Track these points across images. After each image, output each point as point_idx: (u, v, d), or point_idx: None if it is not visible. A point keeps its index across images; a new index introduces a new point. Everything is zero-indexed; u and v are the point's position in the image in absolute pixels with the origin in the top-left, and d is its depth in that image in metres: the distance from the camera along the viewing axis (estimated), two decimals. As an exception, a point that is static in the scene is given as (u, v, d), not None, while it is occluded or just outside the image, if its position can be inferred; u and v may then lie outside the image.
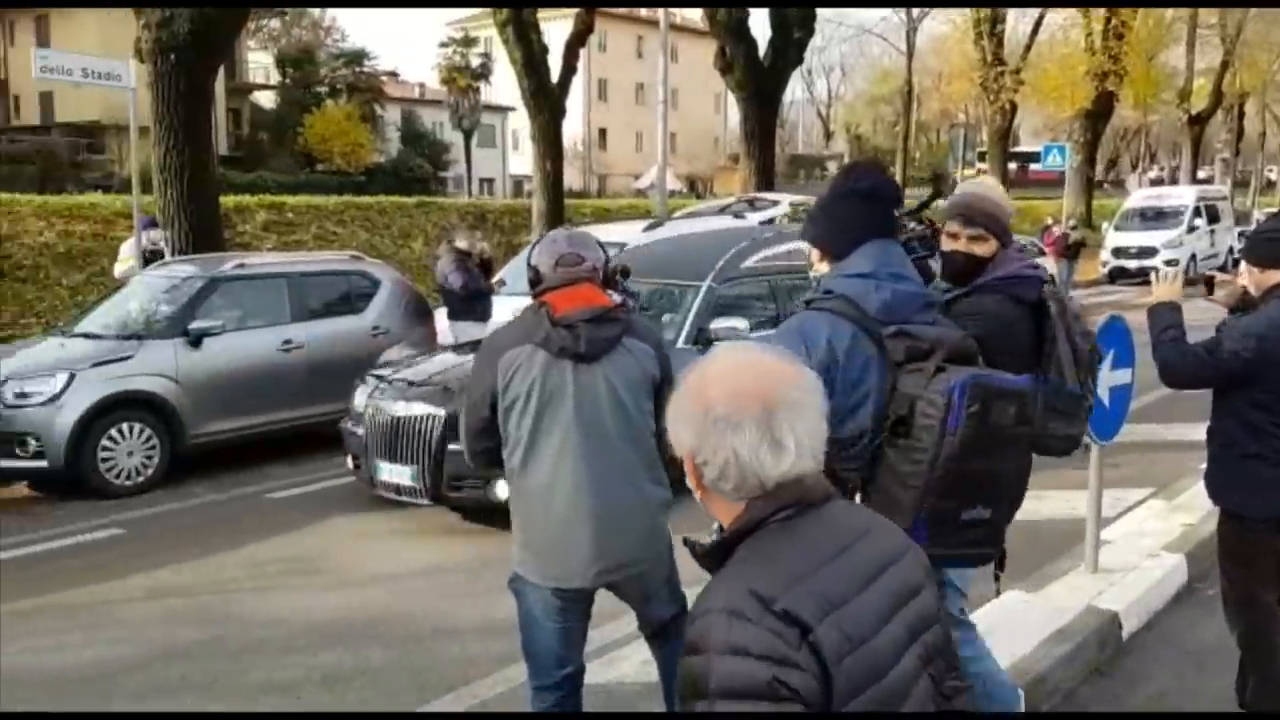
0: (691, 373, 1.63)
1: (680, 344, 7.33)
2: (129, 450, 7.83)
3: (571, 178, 39.40)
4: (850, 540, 1.59)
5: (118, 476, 7.77)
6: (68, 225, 14.76)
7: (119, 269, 11.85)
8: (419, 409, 6.68)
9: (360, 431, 7.01)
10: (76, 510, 7.37)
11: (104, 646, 5.00)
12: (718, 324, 7.43)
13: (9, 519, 7.27)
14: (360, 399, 7.26)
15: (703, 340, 7.27)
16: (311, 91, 47.14)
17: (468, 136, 47.33)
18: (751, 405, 1.54)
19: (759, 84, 18.99)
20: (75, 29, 36.60)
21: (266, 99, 49.05)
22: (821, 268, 2.78)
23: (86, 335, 8.53)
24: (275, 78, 48.56)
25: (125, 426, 7.82)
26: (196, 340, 8.27)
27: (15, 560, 6.33)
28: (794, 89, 67.85)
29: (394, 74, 55.25)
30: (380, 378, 7.38)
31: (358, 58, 50.16)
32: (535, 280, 3.24)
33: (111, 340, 8.30)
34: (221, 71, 15.69)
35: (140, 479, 7.81)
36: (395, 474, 6.69)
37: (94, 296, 11.59)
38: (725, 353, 1.65)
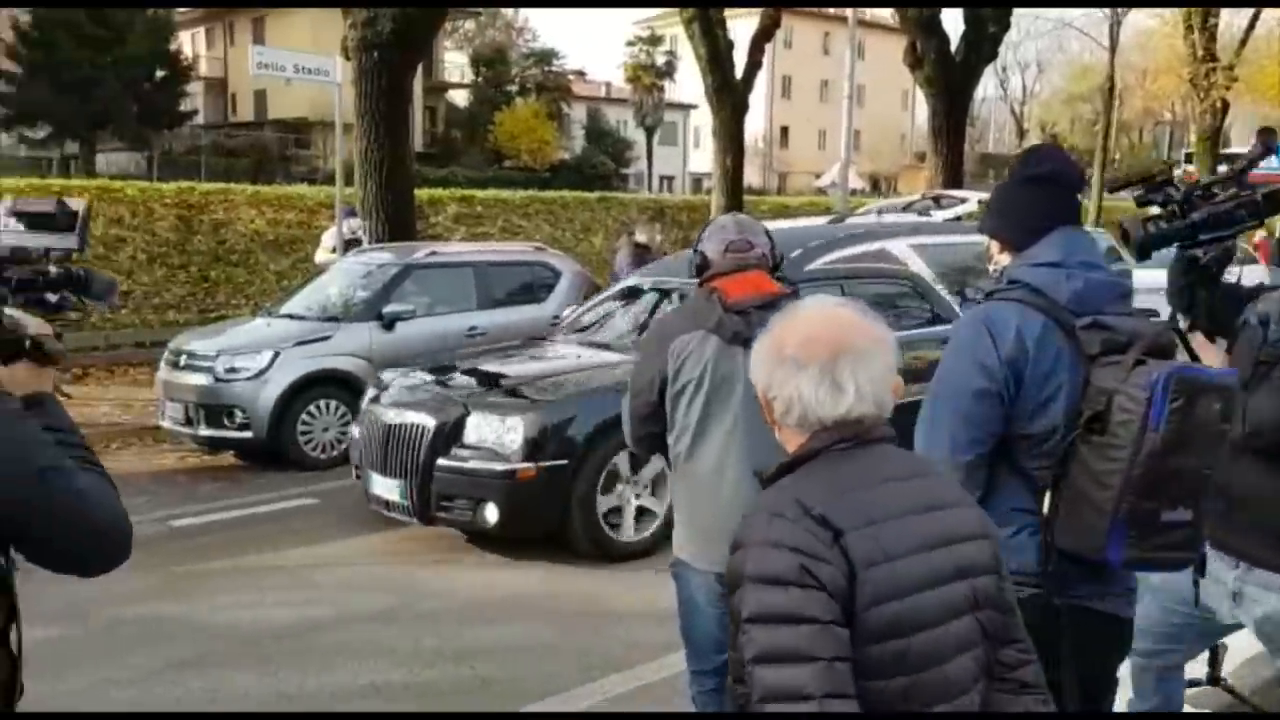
0: (777, 319, 1.80)
1: None
2: (325, 425, 8.30)
3: (751, 175, 39.32)
4: (899, 476, 1.73)
5: (314, 449, 8.25)
6: (276, 214, 15.73)
7: (320, 256, 12.56)
8: (410, 417, 6.07)
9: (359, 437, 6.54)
10: (276, 480, 7.88)
11: (297, 607, 5.33)
12: None
13: (216, 485, 7.85)
14: (365, 401, 6.81)
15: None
16: (502, 90, 48.62)
17: (650, 134, 47.82)
18: (820, 350, 1.70)
19: (949, 79, 18.45)
20: (289, 29, 38.87)
21: (460, 97, 50.88)
22: (1002, 259, 2.64)
23: (290, 316, 9.10)
24: (469, 77, 50.33)
25: (322, 403, 8.30)
26: (390, 323, 8.69)
27: (221, 523, 6.83)
28: (986, 85, 65.67)
29: (581, 73, 56.40)
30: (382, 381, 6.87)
31: (547, 57, 51.45)
32: (702, 266, 3.25)
33: (312, 321, 8.84)
34: (420, 70, 16.37)
35: (334, 453, 8.25)
36: (385, 488, 6.10)
37: (298, 281, 12.31)
38: (808, 303, 1.83)
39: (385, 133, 12.27)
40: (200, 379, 8.19)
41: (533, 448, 5.71)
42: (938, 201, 12.13)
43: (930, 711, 1.62)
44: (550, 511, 5.83)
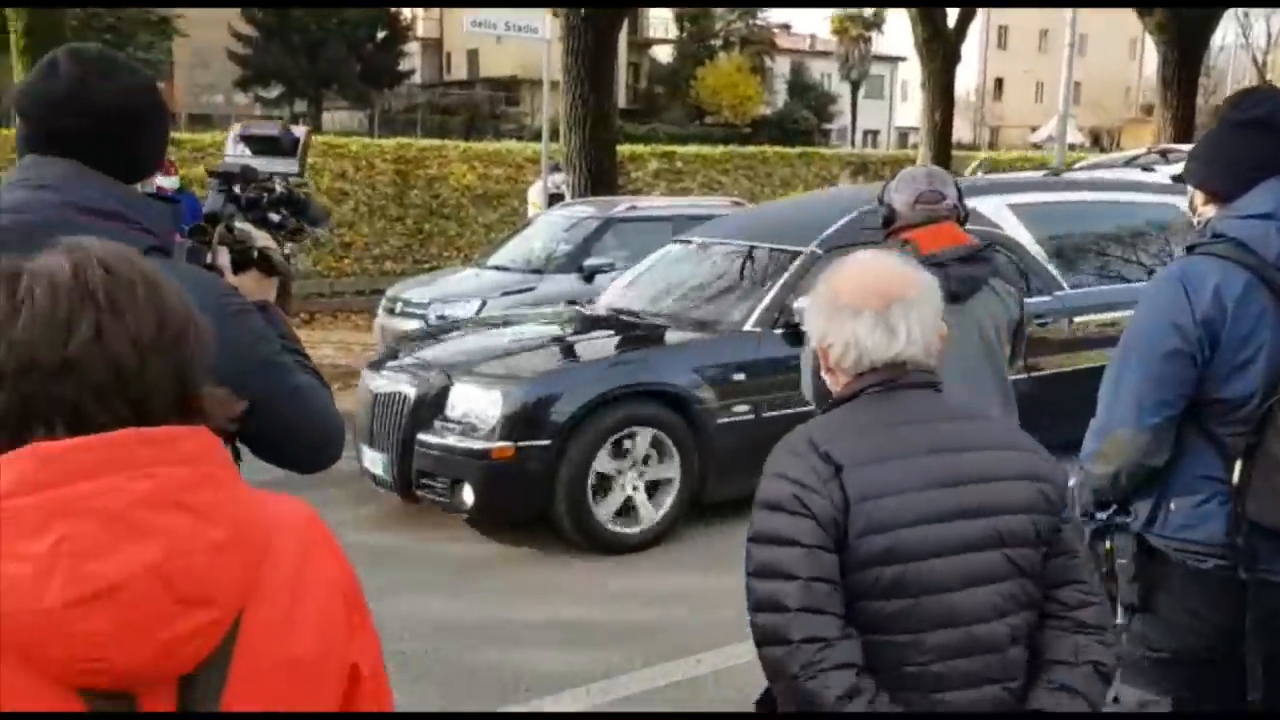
0: (827, 271, 1.96)
1: (750, 325, 5.76)
2: (527, 373, 8.62)
3: (961, 130, 37.82)
4: (922, 419, 1.87)
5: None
6: (486, 169, 16.31)
7: (530, 211, 12.99)
8: (394, 386, 5.62)
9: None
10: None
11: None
12: (803, 301, 5.48)
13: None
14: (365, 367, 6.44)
15: (782, 324, 5.62)
16: (705, 45, 48.47)
17: (855, 87, 46.71)
18: (872, 299, 1.85)
19: (1183, 25, 17.18)
20: (500, -10, 39.93)
21: (664, 53, 51.05)
22: (1207, 211, 2.44)
23: (497, 267, 9.50)
24: (673, 32, 50.40)
25: (525, 351, 8.62)
26: (590, 276, 8.89)
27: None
28: (1225, 31, 60.41)
29: (786, 26, 55.50)
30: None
31: (751, 10, 50.90)
32: (889, 219, 3.19)
33: (518, 273, 9.19)
34: (625, 26, 16.56)
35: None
36: (371, 461, 5.64)
37: (505, 234, 12.77)
38: (857, 256, 1.99)
39: (590, 89, 12.49)
40: (414, 325, 8.65)
41: (510, 426, 5.15)
42: (1165, 156, 11.36)
43: (938, 640, 1.76)
44: (531, 496, 5.26)
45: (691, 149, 20.29)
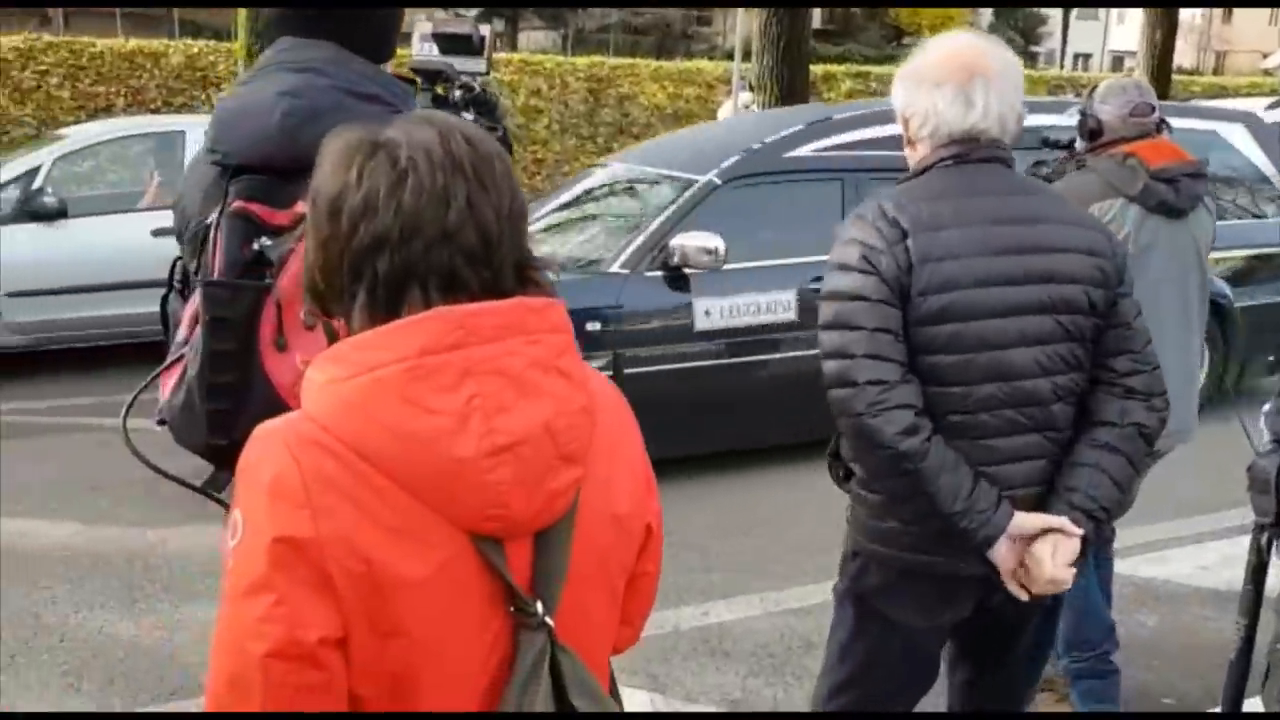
0: (918, 49, 2.08)
1: (616, 266, 5.16)
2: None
3: (1183, 54, 35.21)
4: (994, 191, 2.00)
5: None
6: (676, 88, 16.31)
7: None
8: None
9: None
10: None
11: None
12: (683, 239, 5.06)
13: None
14: None
15: (659, 264, 5.06)
16: (907, -38, 46.48)
17: (1066, 8, 43.95)
18: (957, 72, 1.96)
19: None
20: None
21: (862, -29, 49.25)
22: None
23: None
24: (873, -52, 48.51)
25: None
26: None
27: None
28: None
29: (995, -59, 52.58)
30: None
31: (958, -75, 48.35)
32: (1095, 131, 3.11)
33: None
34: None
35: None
36: None
37: (693, 154, 12.79)
38: (948, 35, 2.12)
39: (784, 8, 12.27)
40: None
41: None
42: None
43: (986, 419, 1.95)
44: None
45: (888, 69, 19.68)
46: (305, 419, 1.06)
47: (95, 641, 3.81)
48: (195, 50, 13.76)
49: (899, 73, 2.10)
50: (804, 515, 4.84)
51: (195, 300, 1.69)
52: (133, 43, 13.85)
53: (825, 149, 5.61)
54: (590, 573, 1.15)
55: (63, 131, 8.53)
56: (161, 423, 1.76)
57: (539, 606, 1.08)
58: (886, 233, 1.93)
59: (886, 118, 5.57)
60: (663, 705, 3.42)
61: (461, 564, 1.05)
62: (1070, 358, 1.98)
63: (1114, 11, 52.58)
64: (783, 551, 4.59)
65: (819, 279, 5.59)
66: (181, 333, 1.73)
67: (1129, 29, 36.86)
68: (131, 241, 6.95)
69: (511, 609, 1.08)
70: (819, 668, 3.56)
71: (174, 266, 1.85)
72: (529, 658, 1.07)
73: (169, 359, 1.74)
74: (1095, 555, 2.96)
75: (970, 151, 1.99)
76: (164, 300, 1.87)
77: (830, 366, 1.96)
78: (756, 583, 4.31)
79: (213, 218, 1.68)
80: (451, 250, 1.07)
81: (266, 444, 1.06)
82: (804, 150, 5.59)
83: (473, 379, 1.03)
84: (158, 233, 7.21)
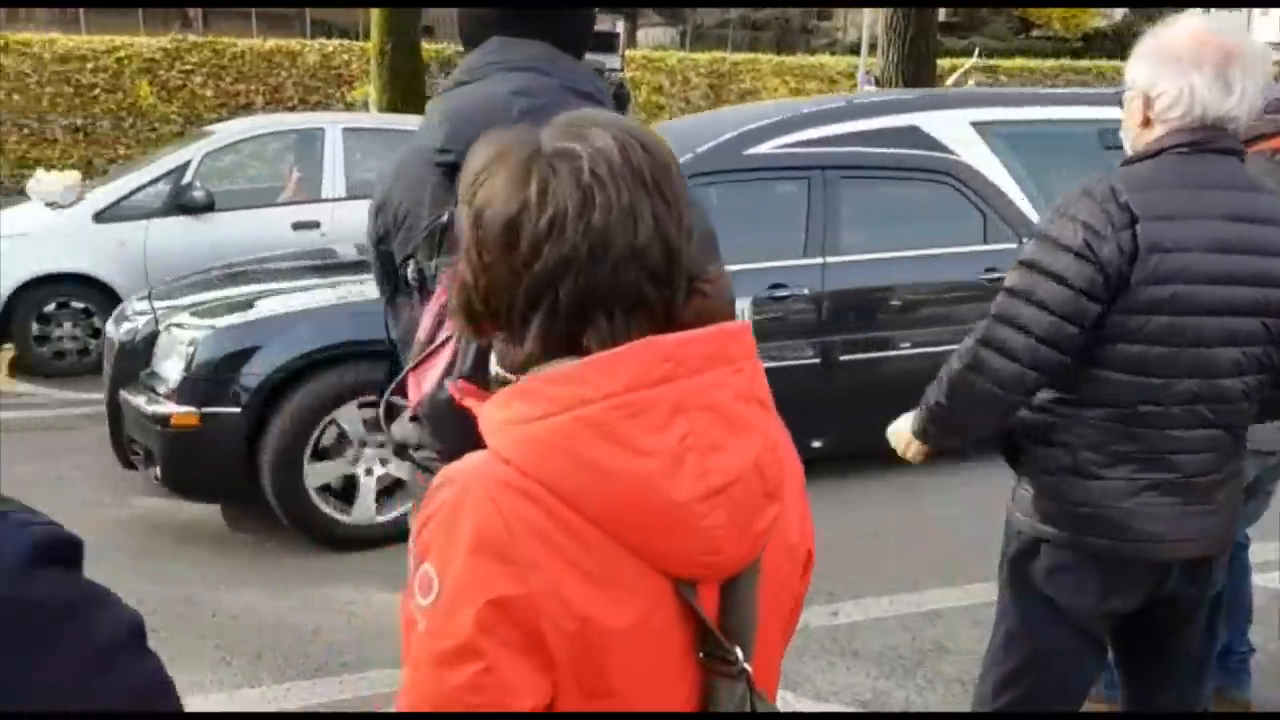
0: (1155, 29, 2.01)
1: None
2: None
3: (1336, 44, 33.26)
4: (1224, 185, 1.92)
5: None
6: (799, 83, 16.19)
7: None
8: (115, 329, 4.94)
9: None
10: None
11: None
12: None
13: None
14: None
15: None
16: (1037, -48, 45.11)
17: (1207, 6, 42.13)
18: (1214, 53, 1.88)
19: None
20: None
21: (989, -38, 48.00)
22: None
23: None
24: (1001, -61, 47.23)
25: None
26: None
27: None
28: None
29: (1131, -72, 50.65)
30: None
31: (1092, -88, 46.75)
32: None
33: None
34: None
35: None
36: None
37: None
38: (1193, 15, 2.00)
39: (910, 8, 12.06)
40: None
41: (192, 387, 4.32)
42: None
43: (1179, 405, 1.93)
44: (224, 475, 4.42)
45: (1017, 62, 19.20)
46: (498, 460, 0.97)
47: (244, 619, 3.98)
48: (330, 49, 14.23)
49: (1139, 50, 2.03)
50: (927, 520, 4.83)
51: (440, 298, 1.65)
52: (271, 42, 14.39)
53: (790, 145, 5.04)
54: (770, 607, 1.08)
55: (209, 128, 8.89)
56: (388, 418, 1.74)
57: (739, 653, 1.01)
58: (1115, 217, 1.86)
59: (859, 112, 5.23)
60: (794, 703, 3.40)
61: (661, 611, 0.98)
62: (1265, 359, 1.97)
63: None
64: (910, 557, 4.51)
65: (778, 285, 4.83)
66: (423, 333, 1.69)
67: (1272, 19, 34.99)
68: (273, 234, 7.21)
69: (702, 655, 1.00)
70: (952, 672, 3.55)
71: (400, 267, 1.80)
72: (728, 708, 1.00)
73: (415, 358, 1.69)
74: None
75: (1213, 139, 1.92)
76: (388, 301, 1.89)
77: (996, 331, 1.94)
78: (885, 585, 4.25)
79: (446, 217, 1.67)
80: (637, 270, 0.98)
81: (463, 491, 0.96)
82: (766, 147, 5.02)
83: (684, 416, 0.95)
84: (298, 226, 7.48)
